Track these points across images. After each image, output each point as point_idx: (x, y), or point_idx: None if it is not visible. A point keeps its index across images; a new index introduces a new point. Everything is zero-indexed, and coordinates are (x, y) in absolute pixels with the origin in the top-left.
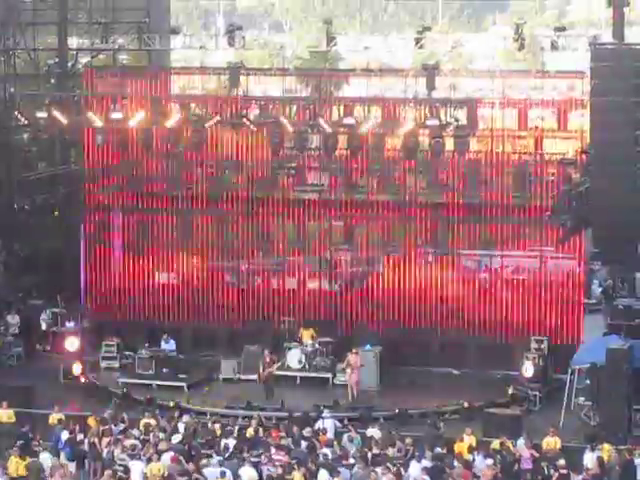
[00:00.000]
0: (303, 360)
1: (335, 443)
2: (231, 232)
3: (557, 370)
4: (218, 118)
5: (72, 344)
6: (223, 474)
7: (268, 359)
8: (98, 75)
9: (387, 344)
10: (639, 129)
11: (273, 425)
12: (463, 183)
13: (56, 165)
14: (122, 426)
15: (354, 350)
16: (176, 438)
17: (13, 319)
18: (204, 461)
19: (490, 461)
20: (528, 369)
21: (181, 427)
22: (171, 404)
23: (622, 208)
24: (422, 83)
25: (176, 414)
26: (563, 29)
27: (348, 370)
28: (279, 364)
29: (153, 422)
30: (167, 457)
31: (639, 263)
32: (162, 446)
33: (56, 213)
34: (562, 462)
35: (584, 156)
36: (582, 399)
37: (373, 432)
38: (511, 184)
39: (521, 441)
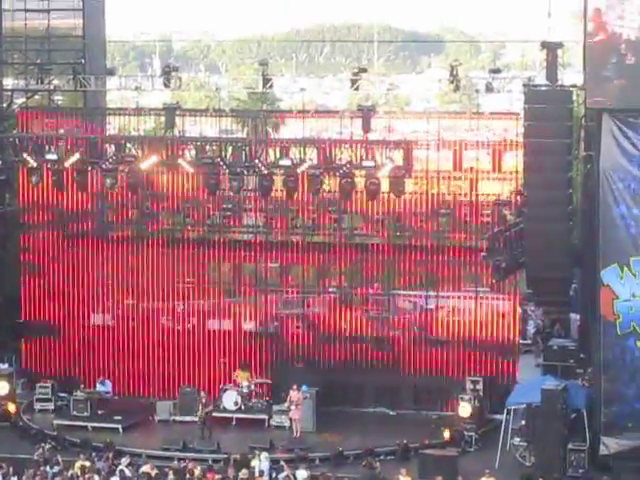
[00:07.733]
0: (239, 401)
1: None
2: (166, 273)
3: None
4: (154, 159)
5: (4, 387)
6: None
7: (204, 400)
8: (33, 116)
9: (323, 386)
10: (571, 171)
11: (208, 467)
12: (398, 224)
13: None
14: (57, 468)
15: (295, 387)
16: None
17: None
18: None
19: None
20: (464, 410)
21: (117, 470)
22: (107, 440)
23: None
24: (358, 124)
25: (111, 455)
26: (498, 71)
27: (292, 407)
28: (215, 405)
29: (88, 464)
30: None
31: (573, 304)
32: None
33: None
34: None
35: (518, 197)
36: (518, 439)
37: (301, 473)
38: (446, 225)
39: None
